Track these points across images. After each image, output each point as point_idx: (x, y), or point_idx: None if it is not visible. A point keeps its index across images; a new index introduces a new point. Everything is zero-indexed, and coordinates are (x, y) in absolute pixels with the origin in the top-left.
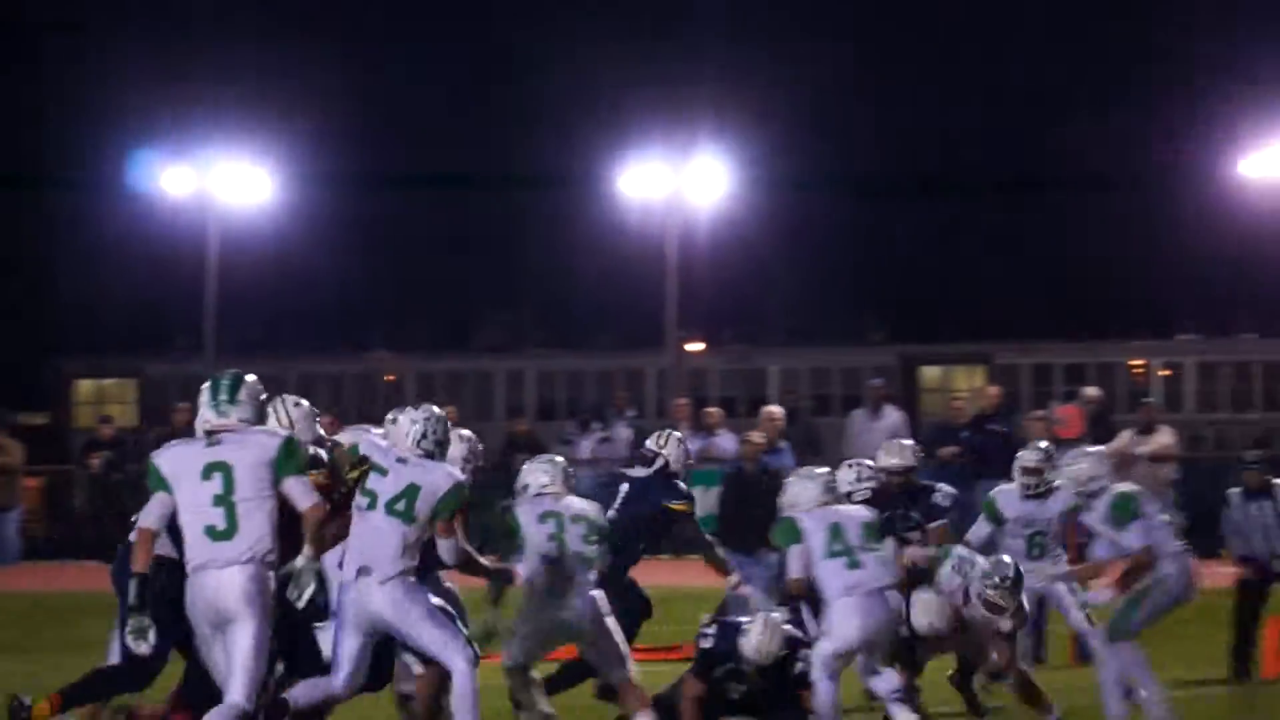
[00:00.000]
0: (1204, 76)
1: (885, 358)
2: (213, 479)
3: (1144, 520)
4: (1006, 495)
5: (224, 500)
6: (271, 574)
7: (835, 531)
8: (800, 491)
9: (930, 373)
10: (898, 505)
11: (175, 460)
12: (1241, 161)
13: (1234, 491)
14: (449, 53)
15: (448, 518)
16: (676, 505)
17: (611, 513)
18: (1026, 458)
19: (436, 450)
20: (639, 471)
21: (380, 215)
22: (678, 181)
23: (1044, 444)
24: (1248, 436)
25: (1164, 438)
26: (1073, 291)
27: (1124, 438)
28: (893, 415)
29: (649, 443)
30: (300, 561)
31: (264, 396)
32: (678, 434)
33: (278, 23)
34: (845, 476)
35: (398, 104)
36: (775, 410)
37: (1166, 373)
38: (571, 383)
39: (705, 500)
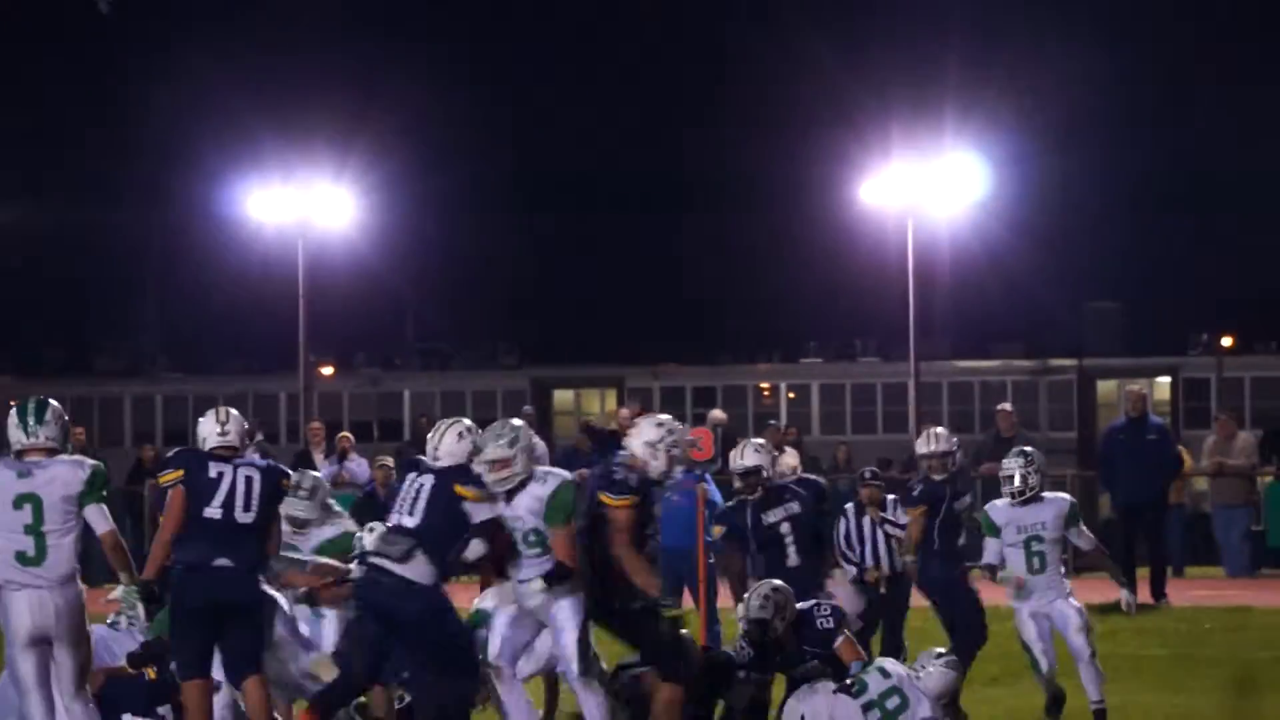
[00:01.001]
0: (826, 104)
1: (518, 381)
2: (23, 509)
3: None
4: (996, 508)
5: (33, 530)
6: (79, 589)
7: None
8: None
9: (563, 395)
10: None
11: None
12: (862, 187)
13: (848, 506)
14: (79, 66)
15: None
16: None
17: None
18: (1008, 466)
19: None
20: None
21: None
22: (306, 206)
23: (1029, 450)
24: (871, 458)
25: (789, 459)
26: (703, 314)
27: None
28: None
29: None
30: (119, 591)
31: (66, 419)
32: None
33: None
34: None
35: (24, 126)
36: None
37: (793, 395)
38: (201, 407)
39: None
